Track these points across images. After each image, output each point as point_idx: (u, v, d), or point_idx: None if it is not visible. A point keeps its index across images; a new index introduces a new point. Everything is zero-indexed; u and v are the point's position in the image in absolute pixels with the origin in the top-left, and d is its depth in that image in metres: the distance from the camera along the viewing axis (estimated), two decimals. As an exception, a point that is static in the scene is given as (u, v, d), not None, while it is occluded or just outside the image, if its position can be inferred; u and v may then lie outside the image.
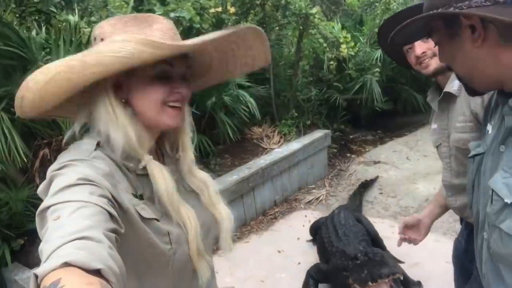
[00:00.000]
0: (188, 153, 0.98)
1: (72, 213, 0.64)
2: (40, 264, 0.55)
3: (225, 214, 1.01)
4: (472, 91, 0.90)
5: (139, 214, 0.81)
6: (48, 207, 0.67)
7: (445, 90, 1.47)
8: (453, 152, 1.51)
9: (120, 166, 0.84)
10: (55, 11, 2.84)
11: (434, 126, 1.61)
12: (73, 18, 3.29)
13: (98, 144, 0.83)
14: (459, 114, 1.45)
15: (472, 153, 1.00)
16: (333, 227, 2.79)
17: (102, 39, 0.82)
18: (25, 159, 2.38)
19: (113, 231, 0.67)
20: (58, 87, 0.75)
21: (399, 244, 1.84)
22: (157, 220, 0.85)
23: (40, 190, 0.77)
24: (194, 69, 0.96)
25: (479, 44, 0.79)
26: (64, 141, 0.89)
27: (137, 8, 3.62)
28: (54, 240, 0.58)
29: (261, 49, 0.94)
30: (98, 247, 0.59)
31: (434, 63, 1.44)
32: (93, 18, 3.30)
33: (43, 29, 2.72)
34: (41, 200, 0.73)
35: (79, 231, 0.60)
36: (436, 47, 1.43)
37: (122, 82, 0.84)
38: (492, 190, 0.80)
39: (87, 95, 0.83)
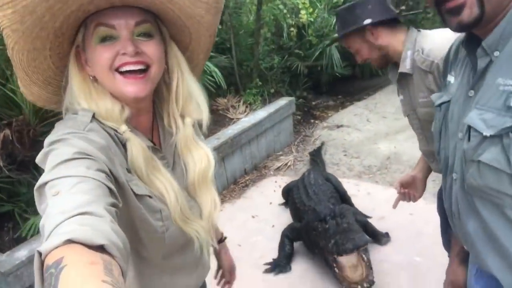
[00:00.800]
0: (185, 127, 0.94)
1: (71, 188, 0.63)
2: (43, 241, 0.55)
3: (207, 204, 0.97)
4: (476, 19, 0.80)
5: (132, 190, 0.80)
6: (46, 183, 0.66)
7: (399, 71, 1.54)
8: (424, 124, 1.59)
9: (114, 138, 0.83)
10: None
11: (400, 97, 1.69)
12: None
13: (93, 116, 0.82)
14: (419, 91, 1.52)
15: (438, 102, 1.05)
16: (304, 188, 2.91)
17: None
18: (-15, 141, 2.27)
19: (113, 205, 0.67)
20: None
21: (395, 206, 1.85)
22: (150, 197, 0.85)
23: (38, 159, 0.76)
24: (175, 35, 0.92)
25: None
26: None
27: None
28: (56, 216, 0.58)
29: None
30: (101, 222, 0.58)
31: (374, 64, 1.66)
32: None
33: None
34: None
35: (80, 206, 0.59)
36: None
37: (81, 57, 0.84)
38: (469, 127, 0.85)
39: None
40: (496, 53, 0.81)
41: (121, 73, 0.81)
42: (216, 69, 4.09)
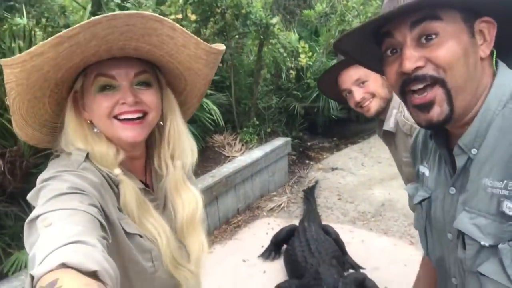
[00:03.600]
0: (175, 170, 0.95)
1: (64, 220, 0.64)
2: (34, 268, 0.56)
3: (195, 248, 0.98)
4: (446, 117, 0.75)
5: (123, 229, 0.82)
6: (38, 216, 0.67)
7: (383, 128, 1.55)
8: (410, 178, 1.57)
9: (107, 178, 0.84)
10: (8, 15, 2.66)
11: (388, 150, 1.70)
12: (22, 21, 3.09)
13: (87, 156, 0.84)
14: (401, 151, 1.53)
15: (418, 199, 0.96)
16: (306, 241, 2.78)
17: None
18: (-24, 172, 2.21)
19: (104, 238, 0.68)
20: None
21: None
22: (140, 236, 0.86)
23: (29, 196, 0.77)
24: (171, 80, 0.94)
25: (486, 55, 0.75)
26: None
27: (94, 14, 3.49)
28: (48, 244, 0.58)
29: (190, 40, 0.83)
30: (93, 251, 0.59)
31: (374, 105, 1.49)
32: (47, 23, 3.13)
33: (-5, 32, 2.55)
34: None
35: (73, 236, 0.60)
36: (373, 87, 1.43)
37: (78, 102, 0.87)
38: (463, 234, 0.77)
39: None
40: (474, 151, 0.77)
41: (119, 119, 0.84)
42: (214, 107, 4.12)
